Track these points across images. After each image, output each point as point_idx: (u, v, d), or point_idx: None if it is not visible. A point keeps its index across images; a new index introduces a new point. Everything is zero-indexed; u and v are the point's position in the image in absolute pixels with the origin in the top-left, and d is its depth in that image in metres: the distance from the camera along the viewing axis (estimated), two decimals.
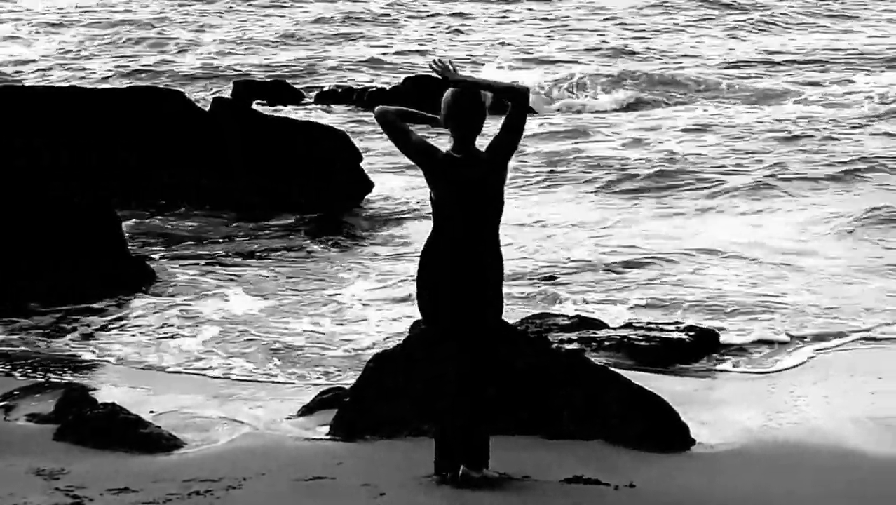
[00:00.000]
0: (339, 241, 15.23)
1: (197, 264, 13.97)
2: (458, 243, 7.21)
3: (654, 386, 8.86)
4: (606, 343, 10.68)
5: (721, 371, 10.53)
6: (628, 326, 11.25)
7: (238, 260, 14.28)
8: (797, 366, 10.59)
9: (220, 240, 15.20)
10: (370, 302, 12.49)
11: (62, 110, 16.37)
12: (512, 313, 11.46)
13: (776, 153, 19.14)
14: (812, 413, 9.28)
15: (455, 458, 7.31)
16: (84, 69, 26.98)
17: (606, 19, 32.47)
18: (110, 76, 26.16)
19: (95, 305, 12.30)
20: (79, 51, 29.27)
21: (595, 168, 18.48)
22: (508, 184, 7.55)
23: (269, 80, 25.38)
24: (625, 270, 13.55)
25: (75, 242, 12.72)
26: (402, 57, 28.54)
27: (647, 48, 28.95)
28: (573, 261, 13.90)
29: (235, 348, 11.17)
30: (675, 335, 10.89)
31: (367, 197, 16.85)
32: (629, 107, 23.42)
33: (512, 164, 7.72)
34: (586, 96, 24.32)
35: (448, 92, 7.26)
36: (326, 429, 8.74)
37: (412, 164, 7.55)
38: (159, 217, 16.06)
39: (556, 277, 13.27)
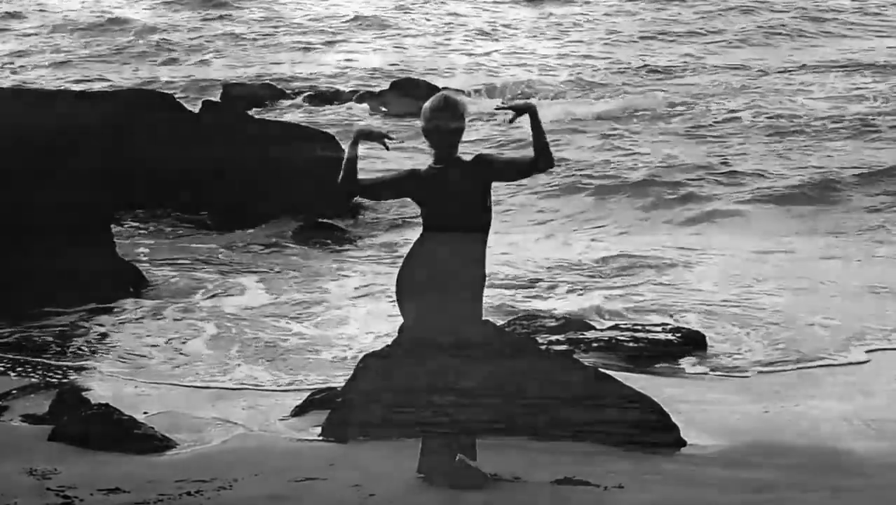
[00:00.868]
0: (327, 243, 15.21)
1: (187, 267, 13.94)
2: (442, 248, 7.18)
3: (642, 387, 8.85)
4: (594, 344, 10.67)
5: (709, 372, 10.53)
6: (615, 327, 11.25)
7: (228, 263, 14.25)
8: (785, 369, 10.61)
9: (210, 243, 15.17)
10: (360, 304, 12.48)
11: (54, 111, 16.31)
12: (498, 315, 11.48)
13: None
14: (800, 414, 9.29)
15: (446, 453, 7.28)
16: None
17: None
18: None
19: (89, 307, 12.27)
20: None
21: (578, 173, 18.50)
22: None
23: (258, 83, 25.38)
24: (612, 273, 13.57)
25: (68, 245, 12.68)
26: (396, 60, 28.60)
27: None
28: (559, 264, 13.92)
29: (227, 350, 11.14)
30: (663, 336, 10.89)
31: (355, 200, 16.83)
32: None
33: None
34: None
35: (427, 103, 7.21)
36: (318, 430, 8.72)
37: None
38: (150, 221, 16.03)
39: (542, 280, 13.28)
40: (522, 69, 27.57)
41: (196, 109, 18.19)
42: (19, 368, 10.61)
